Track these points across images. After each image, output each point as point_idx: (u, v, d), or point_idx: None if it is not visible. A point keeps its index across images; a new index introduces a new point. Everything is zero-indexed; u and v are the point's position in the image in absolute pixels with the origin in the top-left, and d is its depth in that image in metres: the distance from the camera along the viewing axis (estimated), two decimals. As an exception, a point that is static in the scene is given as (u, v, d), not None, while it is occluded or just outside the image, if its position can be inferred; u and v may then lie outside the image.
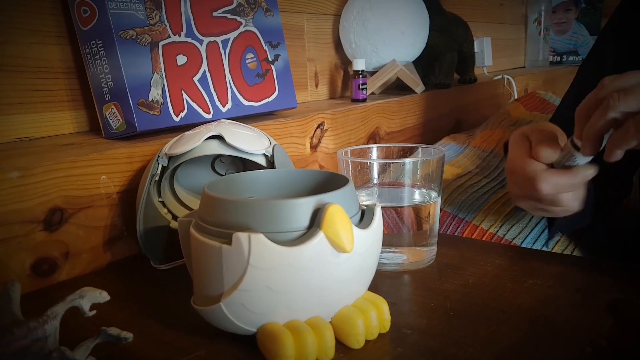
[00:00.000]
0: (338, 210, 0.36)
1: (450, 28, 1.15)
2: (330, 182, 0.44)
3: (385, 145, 0.58)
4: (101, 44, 0.61)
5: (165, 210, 0.58)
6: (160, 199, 0.57)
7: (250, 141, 0.53)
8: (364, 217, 0.41)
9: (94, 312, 0.37)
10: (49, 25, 0.63)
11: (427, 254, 0.53)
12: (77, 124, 0.67)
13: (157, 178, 0.54)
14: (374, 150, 0.58)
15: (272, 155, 0.53)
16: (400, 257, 0.52)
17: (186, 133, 0.55)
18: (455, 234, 0.78)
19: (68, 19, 0.63)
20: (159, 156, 0.53)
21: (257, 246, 0.34)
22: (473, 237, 0.77)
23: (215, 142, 0.52)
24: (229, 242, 0.35)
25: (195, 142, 0.51)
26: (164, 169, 0.54)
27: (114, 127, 0.63)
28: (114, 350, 0.39)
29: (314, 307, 0.37)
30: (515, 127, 1.02)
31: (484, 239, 0.77)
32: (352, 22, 0.96)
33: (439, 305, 0.44)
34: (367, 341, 0.39)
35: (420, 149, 0.58)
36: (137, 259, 0.58)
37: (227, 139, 0.51)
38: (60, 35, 0.64)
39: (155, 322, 0.43)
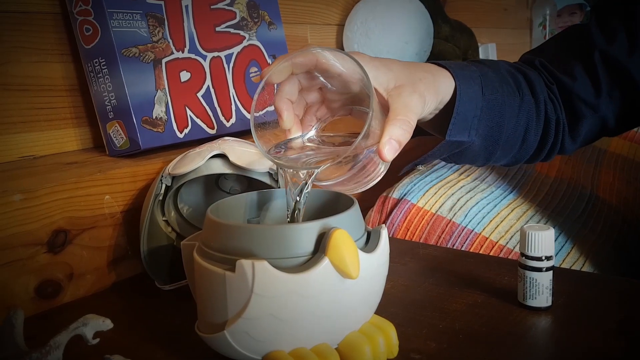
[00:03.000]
0: (343, 235, 0.35)
1: (455, 35, 1.14)
2: (335, 202, 0.43)
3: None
4: (104, 62, 0.60)
5: (170, 229, 0.57)
6: (164, 218, 0.57)
7: (254, 159, 0.52)
8: (369, 240, 0.40)
9: (98, 340, 0.37)
10: (52, 43, 0.63)
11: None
12: (81, 141, 0.67)
13: (160, 198, 0.54)
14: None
15: (277, 174, 0.52)
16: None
17: (189, 152, 0.54)
18: (464, 245, 0.77)
19: (71, 36, 0.63)
20: (162, 176, 0.52)
21: (261, 274, 0.34)
22: (482, 250, 0.77)
23: (218, 161, 0.52)
24: (233, 269, 0.35)
25: (198, 162, 0.51)
26: (167, 188, 0.54)
27: (118, 145, 0.62)
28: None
29: (320, 334, 0.37)
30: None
31: (493, 251, 0.76)
32: (356, 32, 0.96)
33: (447, 327, 0.44)
34: (374, 367, 0.38)
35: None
36: (141, 278, 0.57)
37: (230, 158, 0.51)
38: (63, 52, 0.64)
39: (159, 348, 0.42)
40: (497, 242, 0.77)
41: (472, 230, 0.79)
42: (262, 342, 0.36)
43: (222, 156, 0.52)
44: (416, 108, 0.45)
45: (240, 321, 0.35)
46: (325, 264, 0.35)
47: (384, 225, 0.41)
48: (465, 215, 0.80)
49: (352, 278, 0.35)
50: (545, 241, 0.44)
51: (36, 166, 0.58)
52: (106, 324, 0.37)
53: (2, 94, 0.59)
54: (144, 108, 0.61)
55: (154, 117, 0.62)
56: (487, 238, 0.78)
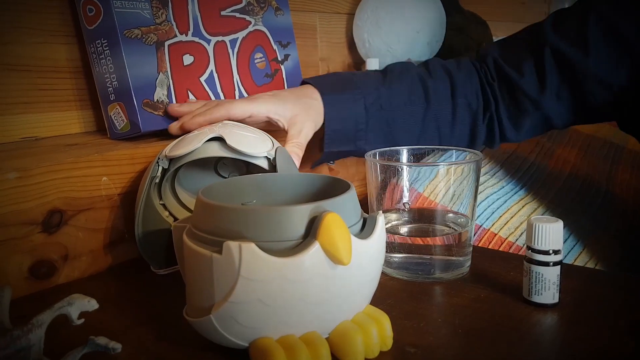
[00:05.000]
0: (335, 219, 0.34)
1: (469, 27, 1.12)
2: (332, 187, 0.42)
3: (416, 147, 0.56)
4: (106, 43, 0.60)
5: (167, 213, 0.56)
6: (161, 202, 0.56)
7: (252, 143, 0.51)
8: (365, 227, 0.38)
9: (82, 320, 0.36)
10: (56, 24, 0.62)
11: (462, 263, 0.51)
12: (84, 124, 0.66)
13: (157, 180, 0.53)
14: (404, 153, 0.56)
15: (274, 158, 0.51)
16: (429, 267, 0.50)
17: (187, 135, 0.53)
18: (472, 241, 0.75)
19: (75, 18, 0.62)
20: (159, 158, 0.51)
21: (248, 256, 0.32)
22: (490, 245, 0.74)
23: (216, 144, 0.50)
24: (220, 251, 0.34)
25: (195, 144, 0.49)
26: (165, 171, 0.53)
27: (119, 128, 0.61)
28: (102, 361, 0.37)
29: (310, 322, 0.35)
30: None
31: (502, 247, 0.74)
32: (366, 21, 0.94)
33: (446, 321, 0.42)
34: (366, 359, 0.36)
35: (454, 152, 0.56)
36: (138, 262, 0.56)
37: (228, 141, 0.50)
38: (68, 34, 0.63)
39: (148, 332, 0.41)
40: (506, 238, 0.75)
41: (481, 226, 0.77)
42: (249, 327, 0.34)
43: (220, 140, 0.51)
44: (309, 130, 0.61)
45: (226, 305, 0.33)
46: (315, 248, 0.33)
47: (380, 212, 0.39)
48: (474, 210, 0.78)
49: (343, 264, 0.33)
50: (553, 234, 0.42)
51: (36, 147, 0.58)
52: (91, 304, 0.36)
53: (5, 74, 0.59)
54: (145, 90, 0.60)
55: (155, 100, 0.61)
56: (495, 234, 0.76)
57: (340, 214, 0.34)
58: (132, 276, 0.54)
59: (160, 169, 0.51)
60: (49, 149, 0.56)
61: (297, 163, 0.57)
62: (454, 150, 0.57)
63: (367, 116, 0.65)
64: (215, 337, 0.36)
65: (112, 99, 0.61)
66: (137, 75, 0.60)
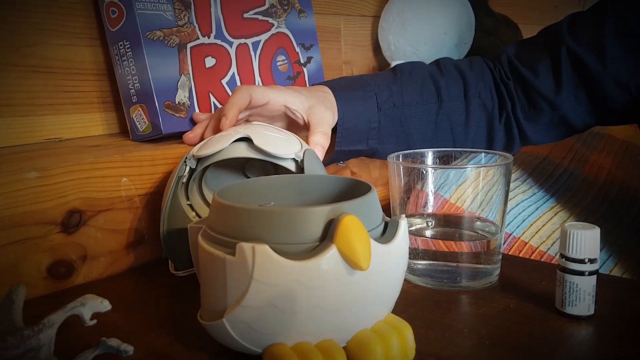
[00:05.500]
0: (353, 221, 0.32)
1: (499, 29, 1.09)
2: (353, 190, 0.40)
3: (442, 150, 0.54)
4: (128, 45, 0.60)
5: (194, 214, 0.56)
6: (188, 202, 0.55)
7: (280, 144, 0.49)
8: (386, 231, 0.37)
9: (95, 321, 0.35)
10: (81, 26, 0.63)
11: (491, 272, 0.48)
12: (108, 125, 0.67)
13: (184, 180, 0.52)
14: (429, 155, 0.54)
15: (302, 160, 0.49)
16: (455, 275, 0.47)
17: (215, 135, 0.52)
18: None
19: (99, 20, 0.63)
20: (186, 158, 0.51)
21: (262, 258, 0.31)
22: (520, 255, 0.71)
23: (243, 145, 0.49)
24: (234, 253, 0.32)
25: (223, 144, 0.48)
26: (192, 170, 0.52)
27: (141, 130, 0.61)
28: (114, 364, 0.37)
29: (327, 329, 0.33)
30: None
31: (532, 257, 0.71)
32: (392, 23, 0.92)
33: (472, 331, 0.40)
34: (386, 370, 0.34)
35: (482, 155, 0.53)
36: (157, 265, 0.56)
37: (255, 142, 0.48)
38: (92, 37, 0.64)
39: (162, 335, 0.40)
40: (537, 247, 0.71)
41: (510, 234, 0.74)
42: (262, 333, 0.33)
43: (249, 141, 0.50)
44: (330, 120, 0.58)
45: (239, 309, 0.32)
46: (332, 252, 0.31)
47: (403, 215, 0.37)
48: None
49: (361, 269, 0.31)
50: (589, 241, 0.39)
51: (59, 148, 0.58)
52: (104, 304, 0.35)
53: (30, 75, 0.59)
54: (167, 92, 0.60)
55: (176, 102, 0.61)
56: (526, 243, 0.73)
57: (359, 216, 0.33)
58: (150, 278, 0.53)
59: (187, 168, 0.51)
60: (70, 150, 0.57)
61: (322, 155, 0.55)
62: (482, 154, 0.54)
63: (380, 114, 0.63)
64: (229, 342, 0.34)
65: (134, 100, 0.61)
66: (158, 77, 0.59)
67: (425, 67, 0.68)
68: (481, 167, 0.49)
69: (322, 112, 0.58)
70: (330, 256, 0.31)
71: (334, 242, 0.32)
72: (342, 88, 0.62)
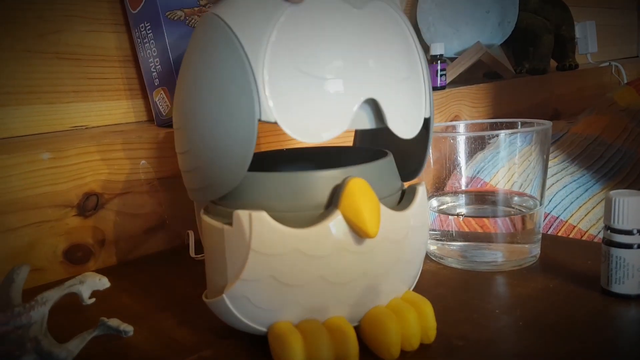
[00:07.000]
0: (360, 184, 0.29)
1: (546, 8, 1.02)
2: (370, 158, 0.37)
3: (475, 121, 0.51)
4: (149, 27, 0.59)
5: None
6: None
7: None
8: (402, 199, 0.33)
9: (94, 300, 0.33)
10: (106, 12, 0.62)
11: (529, 251, 0.44)
12: (134, 112, 0.66)
13: None
14: (461, 127, 0.50)
15: None
16: (494, 255, 0.43)
17: None
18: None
19: (123, 6, 0.62)
20: None
21: (259, 226, 0.28)
22: (567, 238, 0.65)
23: None
24: (232, 223, 0.30)
25: None
26: None
27: (164, 114, 0.60)
28: (114, 345, 0.35)
29: (334, 306, 0.30)
30: (627, 113, 0.86)
31: (581, 241, 0.64)
32: (431, 3, 0.87)
33: (505, 312, 0.35)
34: (404, 352, 0.31)
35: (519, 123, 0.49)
36: (179, 250, 0.54)
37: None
38: (117, 22, 0.63)
39: (170, 317, 0.39)
40: (586, 231, 0.65)
41: (557, 217, 0.68)
42: (265, 309, 0.30)
43: None
44: None
45: (238, 284, 0.30)
46: (337, 218, 0.28)
47: (423, 182, 0.33)
48: (550, 201, 0.69)
49: (369, 236, 0.28)
50: (638, 209, 0.34)
51: (84, 134, 0.58)
52: (102, 282, 0.33)
53: (55, 62, 0.59)
54: (187, 74, 0.59)
55: (196, 83, 0.59)
56: (574, 226, 0.66)
57: (371, 182, 0.29)
58: (169, 262, 0.51)
59: None
60: (92, 135, 0.56)
61: None
62: (519, 122, 0.49)
63: None
64: (232, 320, 0.32)
65: (156, 84, 0.60)
66: (180, 58, 0.58)
67: None
68: (517, 132, 0.44)
69: None
70: (335, 223, 0.28)
71: (338, 207, 0.28)
72: None
